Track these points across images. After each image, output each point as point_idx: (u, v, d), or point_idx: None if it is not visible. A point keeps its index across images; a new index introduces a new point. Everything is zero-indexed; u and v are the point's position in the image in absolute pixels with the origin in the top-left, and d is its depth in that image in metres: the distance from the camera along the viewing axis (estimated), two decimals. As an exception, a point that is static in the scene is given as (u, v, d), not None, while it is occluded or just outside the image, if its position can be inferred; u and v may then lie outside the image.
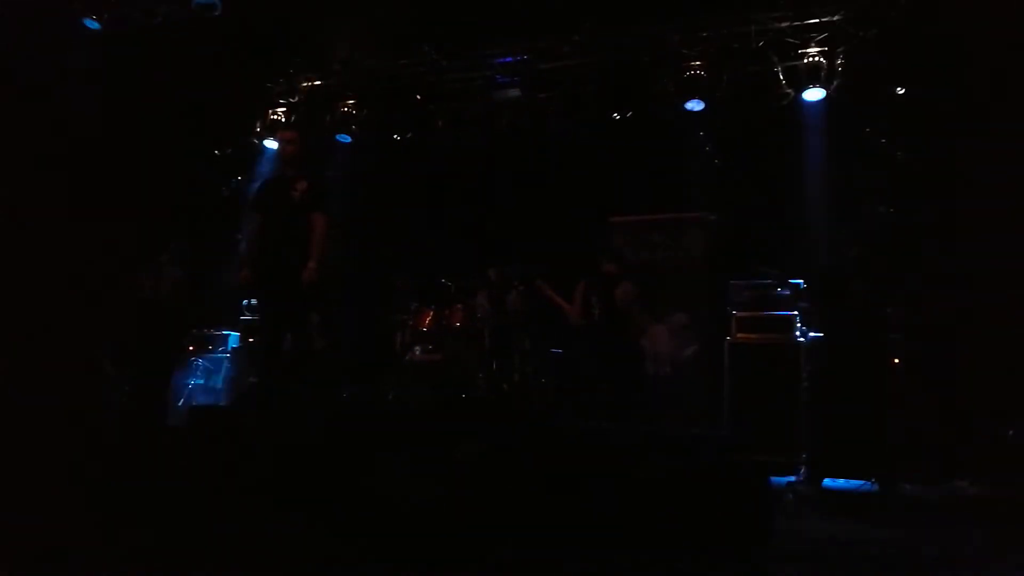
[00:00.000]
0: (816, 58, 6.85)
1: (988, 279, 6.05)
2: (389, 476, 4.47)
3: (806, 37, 6.91)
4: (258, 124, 8.87)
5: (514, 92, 8.07)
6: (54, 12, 7.34)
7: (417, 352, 7.54)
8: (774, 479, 5.14)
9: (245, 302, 8.16)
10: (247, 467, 4.46)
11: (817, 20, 6.84)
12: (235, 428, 4.89)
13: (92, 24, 7.26)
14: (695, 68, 7.21)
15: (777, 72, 7.07)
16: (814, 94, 7.01)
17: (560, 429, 4.66)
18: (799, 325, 6.31)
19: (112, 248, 7.84)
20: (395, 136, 8.73)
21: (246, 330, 8.23)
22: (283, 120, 8.61)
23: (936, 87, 6.63)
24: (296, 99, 8.75)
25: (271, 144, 8.45)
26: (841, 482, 5.63)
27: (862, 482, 5.49)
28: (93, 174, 7.71)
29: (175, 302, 7.82)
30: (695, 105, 7.35)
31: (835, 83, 6.90)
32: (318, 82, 8.65)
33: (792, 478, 5.63)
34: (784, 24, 6.93)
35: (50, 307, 7.28)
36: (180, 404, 7.60)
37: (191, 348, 8.19)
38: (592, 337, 6.66)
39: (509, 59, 7.83)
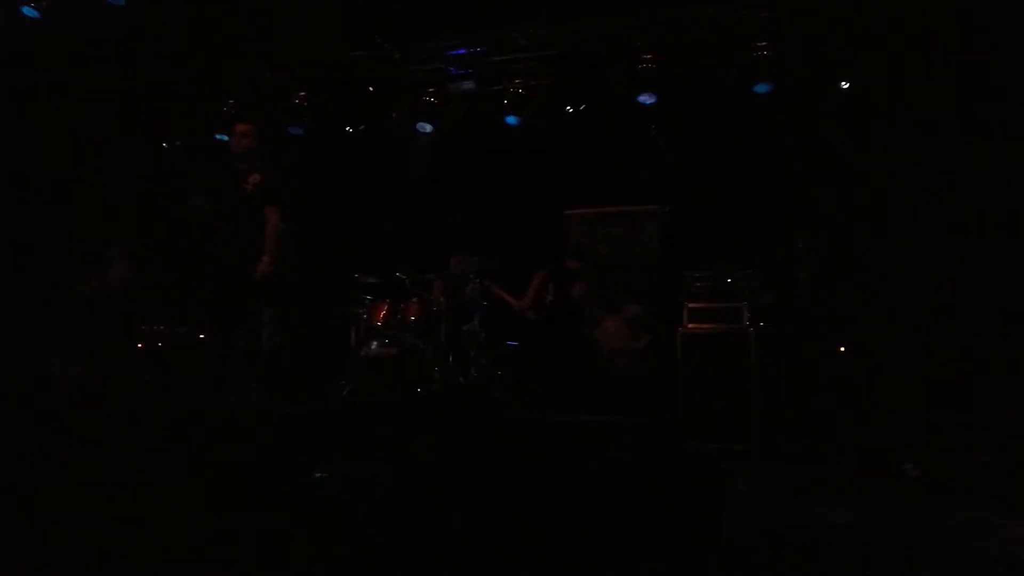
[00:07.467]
0: (764, 52, 6.96)
1: (932, 269, 6.23)
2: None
3: (755, 31, 7.02)
4: (209, 117, 8.70)
5: (468, 84, 8.05)
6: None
7: (373, 347, 7.48)
8: (726, 466, 5.25)
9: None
10: (199, 467, 4.41)
11: (766, 14, 6.95)
12: (187, 427, 4.82)
13: (30, 12, 7.01)
14: (647, 61, 7.28)
15: (727, 65, 7.18)
16: (763, 87, 7.13)
17: (516, 421, 4.68)
18: (748, 315, 6.46)
19: (58, 244, 7.64)
20: (348, 128, 8.65)
21: (198, 327, 8.08)
22: (234, 112, 8.45)
23: (881, 81, 6.80)
24: (248, 91, 8.60)
25: (222, 137, 8.29)
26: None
27: (811, 467, 5.64)
28: (39, 168, 7.50)
29: (124, 298, 7.66)
30: (647, 98, 7.41)
31: (784, 77, 7.03)
32: (269, 74, 8.52)
33: (743, 465, 5.74)
34: (734, 18, 7.03)
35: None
36: (130, 403, 7.43)
37: (140, 346, 8.01)
38: (547, 329, 6.71)
39: (463, 51, 7.80)
